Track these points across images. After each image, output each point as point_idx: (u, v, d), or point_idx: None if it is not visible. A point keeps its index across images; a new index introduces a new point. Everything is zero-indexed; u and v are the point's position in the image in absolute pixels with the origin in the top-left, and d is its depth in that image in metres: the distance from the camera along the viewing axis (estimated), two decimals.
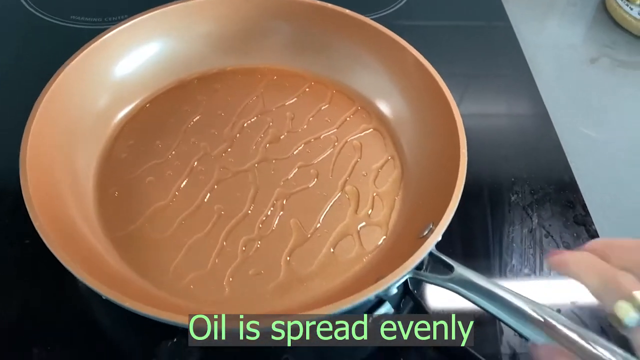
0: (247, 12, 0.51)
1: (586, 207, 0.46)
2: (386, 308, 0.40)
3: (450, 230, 0.38)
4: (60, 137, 0.42)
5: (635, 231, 0.46)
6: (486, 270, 0.43)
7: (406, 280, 0.41)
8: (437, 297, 0.42)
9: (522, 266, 0.43)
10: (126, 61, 0.48)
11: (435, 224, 0.38)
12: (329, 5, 0.49)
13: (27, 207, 0.36)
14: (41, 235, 0.35)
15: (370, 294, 0.34)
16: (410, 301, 0.41)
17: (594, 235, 0.44)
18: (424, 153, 0.45)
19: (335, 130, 0.49)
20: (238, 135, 0.48)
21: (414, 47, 0.47)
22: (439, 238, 0.38)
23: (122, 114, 0.48)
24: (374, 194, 0.45)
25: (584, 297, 0.41)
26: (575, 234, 0.45)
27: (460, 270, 0.36)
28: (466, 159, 0.41)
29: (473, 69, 0.58)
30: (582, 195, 0.47)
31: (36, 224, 0.35)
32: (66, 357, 0.37)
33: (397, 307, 0.40)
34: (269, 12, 0.50)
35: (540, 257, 0.43)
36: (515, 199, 0.47)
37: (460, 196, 0.38)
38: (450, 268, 0.37)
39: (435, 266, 0.37)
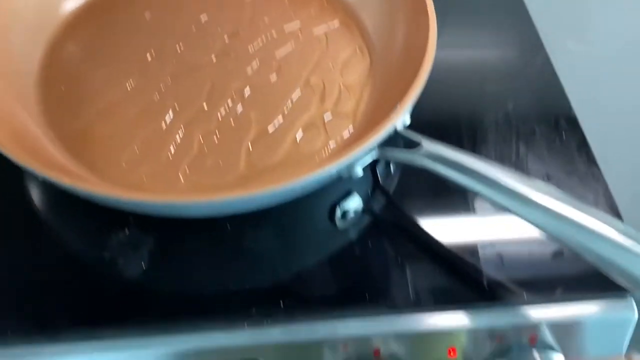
0: None
1: (565, 93, 0.44)
2: (355, 201, 0.38)
3: (421, 116, 0.36)
4: None
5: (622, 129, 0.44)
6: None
7: (375, 171, 0.40)
8: (409, 190, 0.39)
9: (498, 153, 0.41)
10: None
11: (401, 103, 0.35)
12: None
13: None
14: None
15: (331, 168, 0.32)
16: (380, 194, 0.39)
17: (573, 120, 0.42)
18: (392, 40, 0.42)
19: (299, 23, 0.45)
20: (195, 29, 0.44)
21: None
22: (406, 117, 0.35)
23: (68, 5, 0.44)
24: (341, 85, 0.42)
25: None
26: (553, 120, 0.42)
27: (428, 144, 0.34)
28: (435, 38, 0.38)
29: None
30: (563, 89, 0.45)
31: None
32: (13, 255, 0.35)
33: (367, 201, 0.38)
34: None
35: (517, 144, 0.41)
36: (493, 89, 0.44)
37: (428, 72, 0.36)
38: (418, 144, 0.34)
39: (402, 144, 0.35)
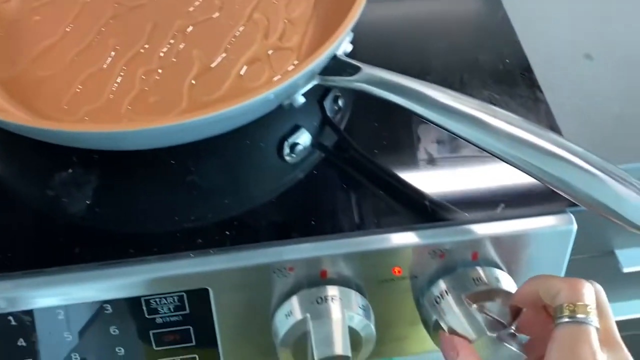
0: None
1: (511, 23, 0.44)
2: (304, 135, 0.38)
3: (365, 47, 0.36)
4: None
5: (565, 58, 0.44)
6: None
7: (324, 106, 0.40)
8: (357, 124, 0.40)
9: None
10: None
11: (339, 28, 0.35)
12: None
13: None
14: None
15: (268, 94, 0.31)
16: (329, 130, 0.39)
17: (516, 46, 0.42)
18: None
19: None
20: None
21: None
22: (347, 45, 0.35)
23: None
24: (285, 20, 0.42)
25: None
26: (500, 48, 0.43)
27: (368, 69, 0.34)
28: None
29: None
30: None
31: None
32: None
33: (316, 136, 0.38)
34: None
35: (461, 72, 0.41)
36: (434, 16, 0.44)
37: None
38: (358, 69, 0.34)
39: (342, 72, 0.35)
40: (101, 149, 0.33)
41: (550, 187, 0.30)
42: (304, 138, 0.38)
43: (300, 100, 0.35)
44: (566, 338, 0.26)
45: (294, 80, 0.32)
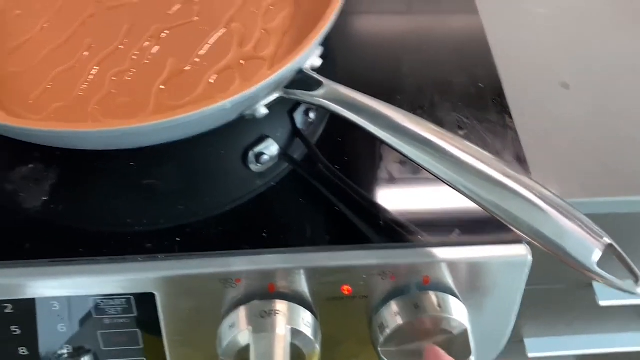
0: None
1: (488, 44, 0.44)
2: (270, 145, 0.38)
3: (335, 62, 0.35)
4: None
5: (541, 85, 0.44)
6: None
7: (293, 118, 0.39)
8: (326, 138, 0.40)
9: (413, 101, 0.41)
10: None
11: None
12: None
13: None
14: None
15: (225, 103, 0.31)
16: (297, 142, 0.39)
17: (490, 68, 0.42)
18: None
19: None
20: None
21: None
22: (315, 59, 0.35)
23: None
24: (262, 30, 0.42)
25: None
26: (473, 70, 0.42)
27: (331, 85, 0.34)
28: None
29: None
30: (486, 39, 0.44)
31: None
32: None
33: (285, 148, 0.38)
34: None
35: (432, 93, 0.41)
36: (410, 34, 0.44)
37: (337, 10, 0.36)
38: (320, 84, 0.34)
39: (306, 85, 0.35)
40: (59, 146, 0.33)
41: (495, 217, 0.29)
42: (270, 148, 0.38)
43: (263, 111, 0.34)
44: None
45: (253, 91, 0.32)
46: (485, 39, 0.44)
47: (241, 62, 0.40)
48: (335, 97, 0.33)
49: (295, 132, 0.39)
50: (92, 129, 0.30)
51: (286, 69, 0.33)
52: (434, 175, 0.30)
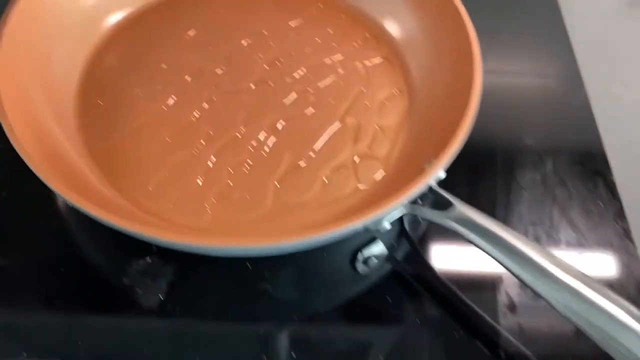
0: None
1: (606, 157, 0.42)
2: (379, 248, 0.37)
3: (454, 174, 0.35)
4: (40, 37, 0.39)
5: None
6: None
7: (402, 219, 0.39)
8: (436, 242, 0.39)
9: (531, 216, 0.40)
10: None
11: (438, 158, 0.35)
12: None
13: None
14: (8, 137, 0.32)
15: (358, 223, 0.31)
16: (405, 244, 0.39)
17: (611, 186, 0.41)
18: (434, 84, 0.41)
19: (341, 56, 0.45)
20: (236, 53, 0.44)
21: None
22: (441, 172, 0.34)
23: (113, 18, 0.44)
24: (377, 127, 0.41)
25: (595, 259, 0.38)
26: (593, 184, 0.41)
27: (461, 207, 0.33)
28: (480, 89, 0.37)
29: (497, 16, 0.53)
30: (603, 147, 0.43)
31: (4, 123, 0.33)
32: (29, 270, 0.35)
33: (391, 249, 0.38)
34: None
35: (551, 208, 0.40)
36: (531, 143, 0.43)
37: (468, 127, 0.35)
38: (450, 205, 0.34)
39: (434, 202, 0.34)
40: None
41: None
42: (378, 249, 0.37)
43: (387, 226, 0.34)
44: None
45: (385, 211, 0.32)
46: (599, 139, 0.43)
47: (355, 159, 0.40)
48: (465, 221, 0.32)
49: (404, 234, 0.39)
50: (236, 246, 0.30)
51: (419, 189, 0.32)
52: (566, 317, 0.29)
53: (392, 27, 0.45)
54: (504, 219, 0.39)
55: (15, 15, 0.37)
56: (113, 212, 0.30)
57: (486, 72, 0.38)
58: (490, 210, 0.40)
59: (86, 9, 0.43)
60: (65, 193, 0.30)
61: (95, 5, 0.43)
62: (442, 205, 0.34)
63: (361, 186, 0.38)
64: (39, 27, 0.39)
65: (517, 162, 0.42)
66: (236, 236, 0.33)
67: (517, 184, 0.41)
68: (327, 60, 0.44)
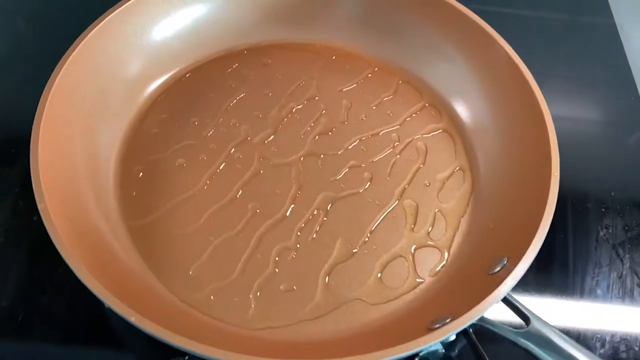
0: None
1: None
2: (435, 346, 0.34)
3: None
4: (82, 106, 0.37)
5: None
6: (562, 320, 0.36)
7: None
8: (495, 341, 0.35)
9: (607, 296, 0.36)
10: (167, 22, 0.42)
11: (512, 261, 0.31)
12: None
13: (34, 188, 0.31)
14: (46, 226, 0.30)
15: (424, 344, 0.28)
16: (464, 341, 0.35)
17: None
18: (502, 168, 0.38)
19: (398, 127, 0.42)
20: (285, 120, 0.41)
21: (504, 38, 0.39)
22: (515, 282, 0.31)
23: (157, 83, 0.42)
24: (436, 210, 0.38)
25: None
26: None
27: (538, 324, 0.29)
28: (558, 184, 0.33)
29: (567, 69, 0.50)
30: None
31: (40, 207, 0.30)
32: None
33: (449, 348, 0.34)
34: None
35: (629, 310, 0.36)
36: (604, 234, 0.39)
37: (547, 230, 0.31)
38: (526, 319, 0.30)
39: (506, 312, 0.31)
40: None
41: None
42: (436, 349, 0.34)
43: (452, 337, 0.31)
44: None
45: (455, 330, 0.28)
46: None
47: (413, 249, 0.36)
48: (541, 340, 0.29)
49: (465, 336, 0.35)
50: None
51: (493, 302, 0.29)
52: None
53: (456, 101, 0.42)
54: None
55: (57, 89, 0.34)
56: (156, 322, 0.27)
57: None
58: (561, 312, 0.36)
59: (128, 80, 0.40)
60: (107, 297, 0.27)
61: (137, 74, 0.41)
62: (515, 316, 0.30)
63: (420, 280, 0.35)
64: (83, 90, 0.37)
65: (591, 257, 0.38)
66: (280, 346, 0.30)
67: (591, 281, 0.37)
68: (383, 131, 0.41)
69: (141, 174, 0.38)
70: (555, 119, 0.36)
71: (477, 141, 0.40)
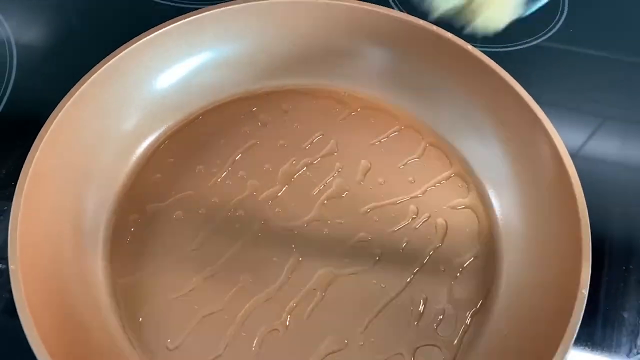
0: (338, 23, 0.39)
1: None
2: None
3: None
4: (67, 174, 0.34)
5: None
6: None
7: None
8: None
9: None
10: (189, 61, 0.39)
11: None
12: (449, 35, 0.37)
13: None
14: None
15: None
16: None
17: None
18: (526, 272, 0.33)
19: (419, 197, 0.37)
20: (295, 177, 0.38)
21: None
22: None
23: (152, 137, 0.38)
24: (447, 302, 0.34)
25: None
26: None
27: None
28: (585, 301, 0.29)
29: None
30: None
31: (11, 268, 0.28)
32: None
33: None
34: (367, 28, 0.39)
35: None
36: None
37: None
38: None
39: None
40: None
41: None
42: None
43: None
44: None
45: None
46: None
47: (415, 348, 0.32)
48: None
49: None
50: None
51: None
52: None
53: (487, 181, 0.37)
54: None
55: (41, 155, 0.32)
56: None
57: None
58: None
59: (123, 135, 0.37)
60: None
61: (132, 130, 0.38)
62: None
63: None
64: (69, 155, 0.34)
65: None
66: None
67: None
68: (401, 200, 0.37)
69: (132, 228, 0.35)
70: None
71: (503, 232, 0.35)
